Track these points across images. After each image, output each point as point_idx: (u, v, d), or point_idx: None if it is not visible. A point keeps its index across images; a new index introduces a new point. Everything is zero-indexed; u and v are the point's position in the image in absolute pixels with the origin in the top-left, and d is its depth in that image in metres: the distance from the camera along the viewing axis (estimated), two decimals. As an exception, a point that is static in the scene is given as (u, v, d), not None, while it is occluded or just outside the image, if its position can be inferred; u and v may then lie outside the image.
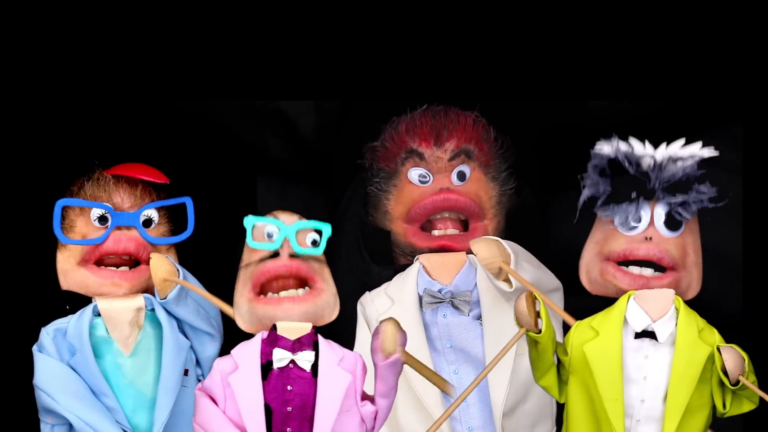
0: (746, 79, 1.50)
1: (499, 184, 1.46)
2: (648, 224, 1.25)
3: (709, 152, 1.26)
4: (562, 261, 1.64)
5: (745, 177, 1.50)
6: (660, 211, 1.25)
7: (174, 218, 1.43)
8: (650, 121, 1.65)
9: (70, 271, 1.38)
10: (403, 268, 1.45)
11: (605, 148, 1.26)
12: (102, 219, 1.37)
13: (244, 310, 1.29)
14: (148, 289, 1.39)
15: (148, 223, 1.39)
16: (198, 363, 1.40)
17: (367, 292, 1.45)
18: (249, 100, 1.62)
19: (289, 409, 1.22)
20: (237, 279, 1.36)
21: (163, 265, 1.34)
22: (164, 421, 1.33)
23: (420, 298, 1.41)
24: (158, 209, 1.40)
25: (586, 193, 1.27)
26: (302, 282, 1.28)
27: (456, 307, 1.40)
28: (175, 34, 1.52)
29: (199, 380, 1.39)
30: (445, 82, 1.55)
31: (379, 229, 1.47)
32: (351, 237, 1.49)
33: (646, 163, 1.25)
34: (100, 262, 1.38)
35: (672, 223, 1.25)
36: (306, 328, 1.24)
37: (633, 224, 1.25)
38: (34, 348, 1.34)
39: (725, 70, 1.52)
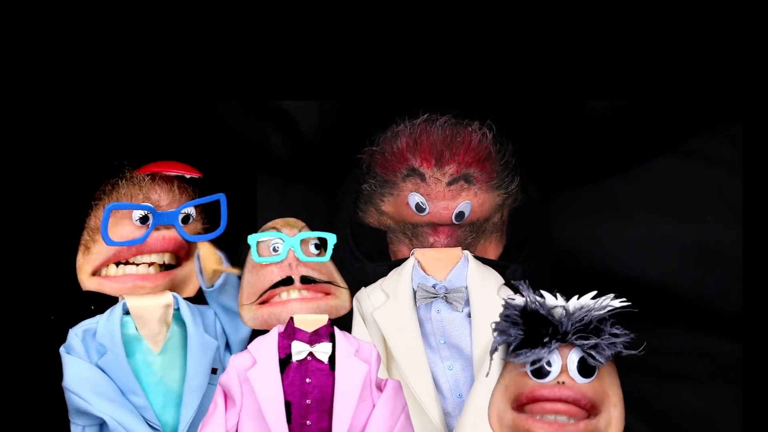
0: (746, 78, 1.50)
1: (503, 190, 1.46)
2: (560, 370, 1.24)
3: (620, 303, 1.26)
4: (561, 261, 1.64)
5: (745, 177, 1.50)
6: (573, 357, 1.24)
7: (207, 214, 1.45)
8: (650, 121, 1.65)
9: (85, 280, 1.39)
10: (399, 263, 1.45)
11: (517, 300, 1.26)
12: (143, 219, 1.38)
13: (247, 317, 1.38)
14: (173, 288, 1.40)
15: (186, 219, 1.41)
16: (228, 347, 1.42)
17: (363, 288, 1.45)
18: (250, 100, 1.62)
19: (308, 401, 1.22)
20: (240, 292, 1.39)
21: (213, 255, 1.38)
22: (190, 420, 1.35)
23: (414, 294, 1.42)
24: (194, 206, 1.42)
25: (498, 340, 1.26)
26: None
27: (450, 303, 1.40)
28: (178, 35, 1.52)
29: None
30: (446, 82, 1.54)
31: (372, 229, 1.48)
32: (342, 235, 1.50)
33: (558, 312, 1.25)
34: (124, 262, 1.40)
35: (585, 368, 1.25)
36: (323, 320, 1.24)
37: (546, 369, 1.25)
38: (62, 349, 1.34)
39: (725, 69, 1.52)
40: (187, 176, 1.42)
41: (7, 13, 1.50)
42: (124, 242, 1.38)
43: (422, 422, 1.38)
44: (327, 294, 1.40)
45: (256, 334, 1.35)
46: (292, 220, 1.41)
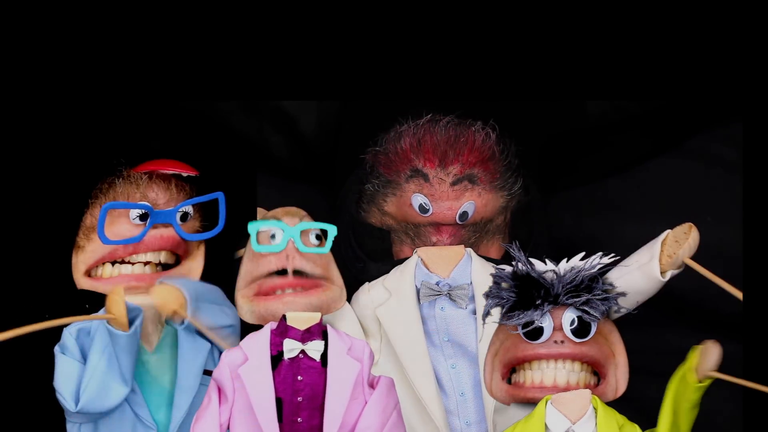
0: (746, 78, 1.50)
1: (506, 191, 1.47)
2: (554, 330, 1.26)
3: (610, 259, 1.27)
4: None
5: (745, 177, 1.50)
6: (567, 318, 1.25)
7: (205, 213, 1.45)
8: (650, 121, 1.65)
9: (80, 279, 1.39)
10: (401, 263, 1.45)
11: (507, 268, 1.28)
12: (142, 217, 1.38)
13: (245, 309, 1.36)
14: None
15: (183, 217, 1.42)
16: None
17: (366, 283, 1.45)
18: (250, 100, 1.62)
19: (300, 399, 1.22)
20: (238, 279, 1.38)
21: (171, 296, 1.31)
22: (180, 420, 1.34)
23: (417, 291, 1.42)
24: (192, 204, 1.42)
25: (490, 303, 1.28)
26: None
27: (453, 300, 1.40)
28: (177, 34, 1.52)
29: None
30: (448, 82, 1.54)
31: (375, 229, 1.48)
32: (344, 234, 1.50)
33: (549, 276, 1.26)
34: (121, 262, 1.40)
35: (580, 328, 1.26)
36: (315, 318, 1.25)
37: (539, 327, 1.25)
38: (56, 349, 1.33)
39: (725, 69, 1.52)
40: (184, 174, 1.43)
41: (6, 12, 1.50)
42: (120, 241, 1.38)
43: (423, 421, 1.38)
44: (318, 287, 1.38)
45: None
46: (293, 209, 1.40)
